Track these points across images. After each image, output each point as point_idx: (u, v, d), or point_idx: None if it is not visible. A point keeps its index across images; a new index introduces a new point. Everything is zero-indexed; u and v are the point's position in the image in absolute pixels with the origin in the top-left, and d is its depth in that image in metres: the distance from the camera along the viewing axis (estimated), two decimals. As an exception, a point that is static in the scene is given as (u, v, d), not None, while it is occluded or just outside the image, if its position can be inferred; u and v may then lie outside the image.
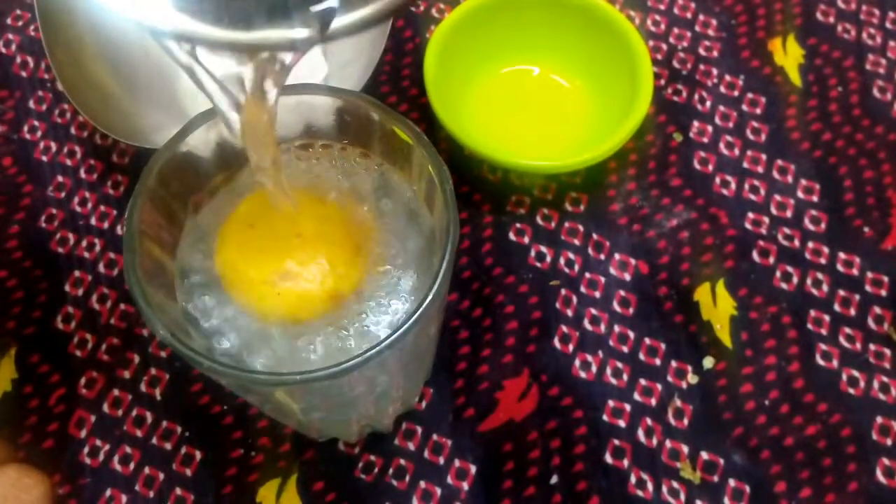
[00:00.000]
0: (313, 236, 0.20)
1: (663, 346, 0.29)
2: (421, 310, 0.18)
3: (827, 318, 0.30)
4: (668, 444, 0.27)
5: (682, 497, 0.27)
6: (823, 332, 0.29)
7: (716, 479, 0.27)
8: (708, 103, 0.34)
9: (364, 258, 0.21)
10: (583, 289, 0.30)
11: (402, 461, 0.27)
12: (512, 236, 0.31)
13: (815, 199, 0.32)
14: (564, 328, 0.29)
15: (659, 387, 0.28)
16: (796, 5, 0.36)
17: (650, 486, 0.27)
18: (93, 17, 0.31)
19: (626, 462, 0.27)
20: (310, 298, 0.20)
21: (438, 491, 0.27)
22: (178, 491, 0.27)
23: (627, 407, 0.28)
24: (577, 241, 0.31)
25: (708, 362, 0.29)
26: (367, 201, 0.22)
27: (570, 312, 0.29)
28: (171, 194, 0.20)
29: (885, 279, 0.30)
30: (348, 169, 0.22)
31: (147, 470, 0.27)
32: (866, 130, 0.33)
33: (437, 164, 0.19)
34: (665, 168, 0.32)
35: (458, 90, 0.31)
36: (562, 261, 0.31)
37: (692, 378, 0.29)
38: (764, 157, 0.33)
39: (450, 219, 0.19)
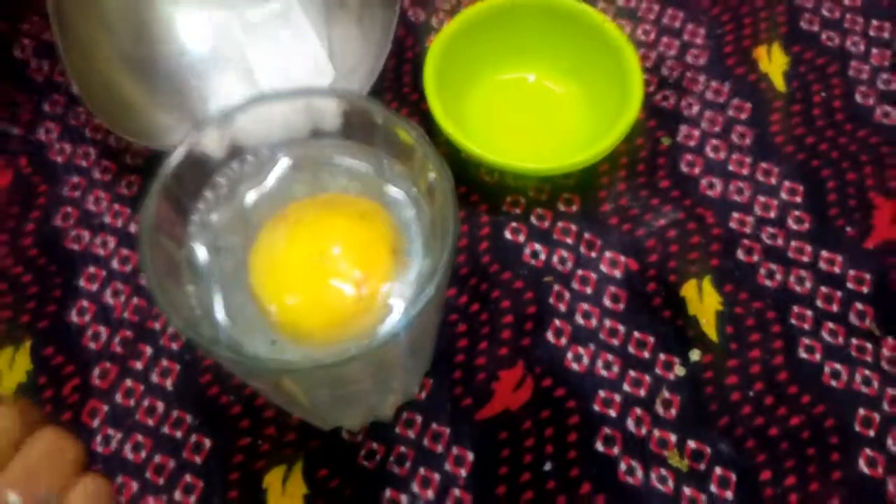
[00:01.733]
0: (337, 254, 0.21)
1: (652, 339, 0.30)
2: (423, 302, 0.19)
3: (809, 313, 0.31)
4: (656, 433, 0.29)
5: (671, 484, 0.28)
6: (806, 326, 0.30)
7: (703, 466, 0.28)
8: (695, 109, 0.35)
9: (387, 265, 0.21)
10: (575, 285, 0.31)
11: (403, 449, 0.28)
12: (508, 235, 0.32)
13: (798, 199, 0.33)
14: (557, 322, 0.30)
15: (648, 378, 0.29)
16: (781, 14, 0.37)
17: (639, 473, 0.28)
18: (107, 21, 0.32)
19: (616, 450, 0.28)
20: (344, 324, 0.21)
21: (437, 477, 0.28)
22: (188, 478, 0.28)
23: (617, 397, 0.29)
24: (569, 240, 0.32)
25: (695, 355, 0.30)
26: (376, 201, 0.22)
27: (562, 307, 0.31)
28: (183, 191, 0.21)
29: (867, 277, 0.31)
30: (354, 168, 0.23)
31: (158, 458, 0.28)
32: (849, 134, 0.34)
33: (438, 163, 0.20)
34: (654, 170, 0.33)
35: (456, 96, 0.32)
36: (555, 258, 0.32)
37: (679, 370, 0.30)
38: (749, 160, 0.34)
39: (451, 215, 0.19)
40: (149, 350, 0.30)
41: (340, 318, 0.20)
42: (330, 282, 0.21)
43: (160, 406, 0.29)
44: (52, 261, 0.31)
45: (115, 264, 0.31)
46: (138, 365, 0.29)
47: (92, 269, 0.31)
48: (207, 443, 0.28)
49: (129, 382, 0.29)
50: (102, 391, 0.29)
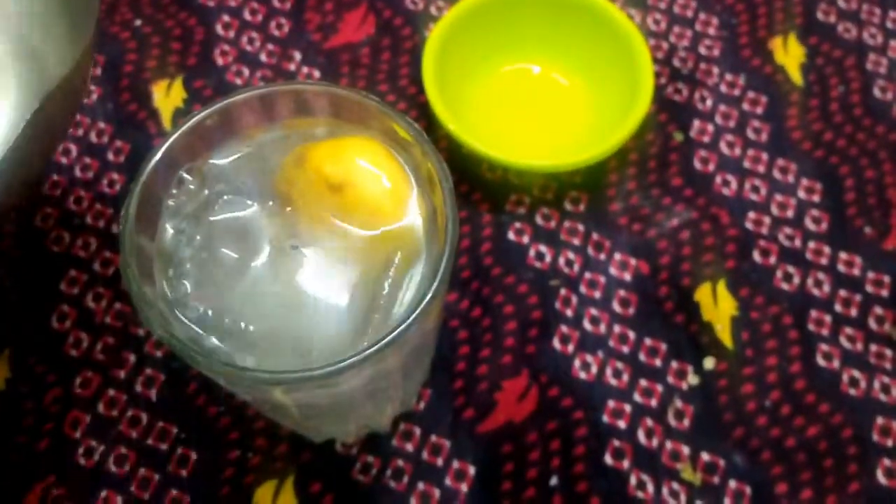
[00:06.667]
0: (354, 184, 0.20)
1: (664, 346, 0.29)
2: (421, 306, 0.18)
3: (828, 318, 0.29)
4: (668, 445, 0.27)
5: (683, 499, 0.27)
6: (824, 332, 0.29)
7: (716, 480, 0.27)
8: (709, 102, 0.33)
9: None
10: (583, 289, 0.30)
11: (400, 462, 0.27)
12: (511, 236, 0.31)
13: (816, 198, 0.32)
14: (564, 328, 0.29)
15: (659, 388, 0.28)
16: (797, 4, 0.36)
17: (650, 488, 0.27)
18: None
19: (626, 463, 0.27)
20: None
21: (437, 493, 0.27)
22: (174, 492, 0.26)
23: (627, 408, 0.28)
24: (576, 241, 0.31)
25: (709, 363, 0.29)
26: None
27: (569, 312, 0.29)
28: (164, 187, 0.20)
29: (886, 279, 0.30)
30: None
31: (142, 471, 0.27)
32: (867, 130, 0.33)
33: (436, 160, 0.19)
34: (665, 167, 0.32)
35: (457, 88, 0.31)
36: (561, 260, 0.30)
37: (693, 379, 0.28)
38: (765, 156, 0.32)
39: (449, 216, 0.18)
40: (132, 358, 0.28)
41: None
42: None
43: (144, 417, 0.27)
44: (32, 263, 0.30)
45: (96, 267, 0.30)
46: (121, 374, 0.28)
47: (73, 273, 0.30)
48: (194, 455, 0.27)
49: (111, 392, 0.28)
50: (84, 401, 0.28)
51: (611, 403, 0.28)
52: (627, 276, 0.30)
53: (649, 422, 0.28)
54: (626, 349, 0.29)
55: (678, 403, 0.28)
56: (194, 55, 0.34)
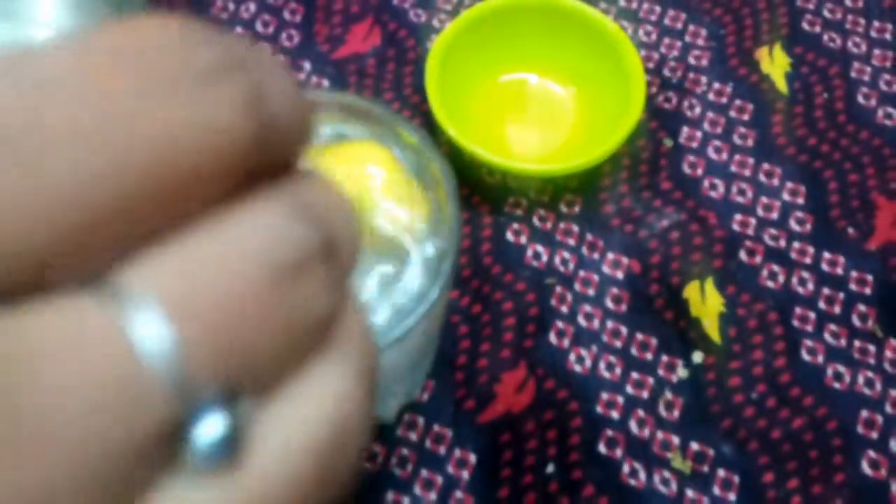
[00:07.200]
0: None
1: (654, 341, 0.30)
2: (426, 306, 0.19)
3: (812, 315, 0.31)
4: (659, 435, 0.29)
5: (674, 486, 0.28)
6: (808, 328, 0.30)
7: (706, 469, 0.28)
8: (697, 110, 0.35)
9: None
10: (577, 286, 0.31)
11: (405, 451, 0.28)
12: (510, 236, 0.32)
13: (800, 201, 0.33)
14: (560, 324, 0.30)
15: (650, 380, 0.29)
16: (783, 15, 0.37)
17: (642, 476, 0.28)
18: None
19: (619, 452, 0.28)
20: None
21: (439, 479, 0.28)
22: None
23: (620, 399, 0.29)
24: (571, 241, 0.32)
25: (697, 357, 0.30)
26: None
27: (565, 309, 0.31)
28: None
29: (870, 278, 0.31)
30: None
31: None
32: (851, 136, 0.34)
33: (440, 164, 0.20)
34: (656, 172, 0.34)
35: (458, 97, 0.32)
36: (557, 260, 0.32)
37: (682, 372, 0.30)
38: (751, 161, 0.34)
39: (454, 218, 0.20)
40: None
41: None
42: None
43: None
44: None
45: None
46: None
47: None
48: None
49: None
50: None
51: (604, 395, 0.29)
52: (620, 275, 0.31)
53: (641, 413, 0.29)
54: (618, 343, 0.30)
55: (668, 395, 0.29)
56: (207, 66, 0.35)
